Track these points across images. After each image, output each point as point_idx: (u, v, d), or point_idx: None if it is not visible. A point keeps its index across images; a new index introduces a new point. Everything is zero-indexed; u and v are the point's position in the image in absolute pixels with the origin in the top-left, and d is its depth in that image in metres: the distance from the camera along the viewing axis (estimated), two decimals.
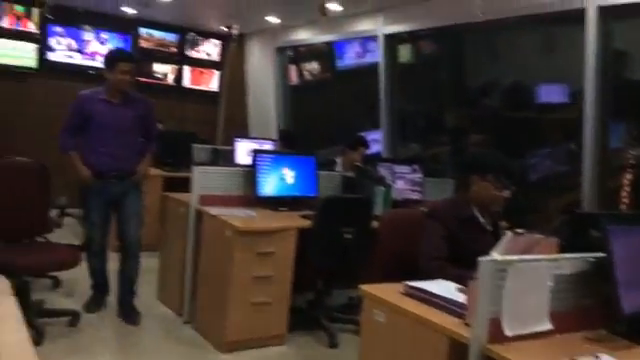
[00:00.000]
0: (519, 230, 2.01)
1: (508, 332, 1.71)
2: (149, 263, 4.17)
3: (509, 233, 1.96)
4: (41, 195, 3.68)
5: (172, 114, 7.49)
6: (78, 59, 7.27)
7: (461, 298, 1.95)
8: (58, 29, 7.08)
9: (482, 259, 1.71)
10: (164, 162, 5.77)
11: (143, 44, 7.70)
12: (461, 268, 2.37)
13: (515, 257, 1.76)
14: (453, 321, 1.88)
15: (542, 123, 5.08)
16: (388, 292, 2.15)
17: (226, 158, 6.08)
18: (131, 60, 3.79)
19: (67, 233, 4.46)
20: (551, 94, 4.82)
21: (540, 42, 5.02)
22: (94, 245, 3.82)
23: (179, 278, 3.94)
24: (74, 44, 7.23)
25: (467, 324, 1.80)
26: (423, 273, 2.44)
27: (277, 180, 4.06)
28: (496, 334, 1.70)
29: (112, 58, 3.75)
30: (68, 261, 3.49)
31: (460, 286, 2.10)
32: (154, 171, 5.62)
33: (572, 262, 1.91)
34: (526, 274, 1.75)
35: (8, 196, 3.46)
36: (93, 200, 3.75)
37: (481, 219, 2.68)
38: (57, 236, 4.08)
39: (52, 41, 7.08)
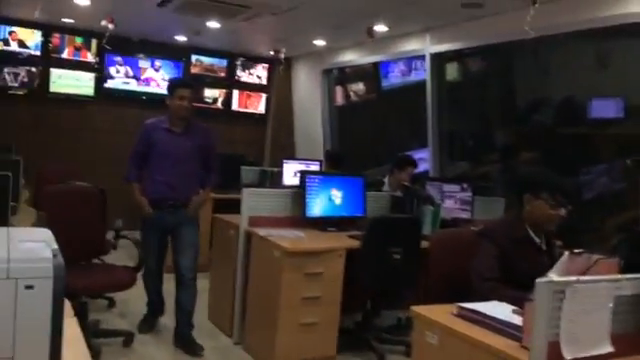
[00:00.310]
0: (577, 250, 1.95)
1: (567, 355, 1.65)
2: (200, 284, 4.22)
3: (566, 253, 1.90)
4: (99, 218, 3.83)
5: (221, 137, 7.63)
6: (134, 85, 7.55)
7: (517, 320, 1.90)
8: (117, 58, 7.40)
9: (539, 280, 1.66)
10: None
11: (194, 70, 7.93)
12: (515, 289, 2.31)
13: (573, 278, 1.70)
14: (509, 344, 1.82)
15: (596, 139, 4.93)
16: (440, 313, 2.12)
17: (274, 179, 6.16)
18: (188, 86, 3.88)
19: (122, 255, 4.59)
20: (605, 109, 4.67)
21: (592, 57, 4.90)
22: (150, 269, 3.91)
23: (229, 299, 3.98)
24: (130, 71, 7.52)
25: (524, 347, 1.74)
26: (476, 294, 2.39)
27: (325, 201, 4.07)
28: (555, 357, 1.63)
29: (171, 85, 3.92)
30: (124, 282, 3.60)
31: (515, 308, 2.04)
32: None
33: (633, 282, 1.83)
34: (585, 295, 1.69)
35: (69, 219, 3.59)
36: (150, 228, 3.83)
37: (536, 239, 2.62)
38: (113, 258, 4.22)
39: (111, 69, 7.40)
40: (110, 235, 4.06)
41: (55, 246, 1.40)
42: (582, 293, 1.68)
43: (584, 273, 1.80)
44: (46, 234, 1.53)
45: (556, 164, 4.84)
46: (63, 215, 3.57)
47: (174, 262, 3.86)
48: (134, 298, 4.23)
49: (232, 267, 3.93)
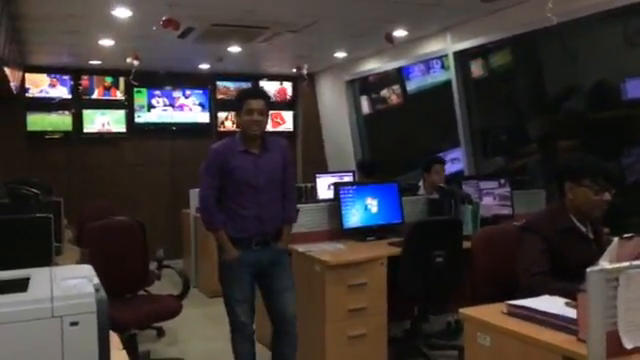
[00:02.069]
0: (626, 235, 1.87)
1: (628, 345, 1.58)
2: None
3: (616, 239, 1.83)
4: (141, 250, 3.88)
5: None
6: (170, 112, 7.75)
7: (571, 313, 1.83)
8: (157, 92, 7.65)
9: (590, 269, 1.59)
10: None
11: (220, 95, 8.06)
12: (565, 281, 2.24)
13: (626, 264, 1.63)
14: (565, 338, 1.76)
15: (635, 120, 4.77)
16: (490, 313, 2.06)
17: (308, 195, 6.16)
18: (259, 96, 3.14)
19: (166, 284, 4.65)
20: None
21: (620, 37, 4.76)
22: (240, 326, 3.15)
23: None
24: (167, 101, 7.75)
25: (581, 340, 1.67)
26: (525, 290, 2.32)
27: (362, 211, 4.04)
28: (615, 348, 1.57)
29: (238, 98, 3.23)
30: (171, 311, 3.64)
31: (568, 300, 1.97)
32: None
33: None
34: None
35: (112, 254, 3.66)
36: (235, 273, 3.11)
37: (582, 228, 2.54)
38: (157, 288, 4.27)
39: (153, 101, 7.64)
40: (153, 266, 4.10)
41: (96, 281, 1.42)
42: (637, 278, 1.61)
43: (636, 258, 1.73)
44: (87, 270, 1.55)
45: (596, 149, 4.70)
46: (106, 250, 3.64)
47: (269, 310, 3.23)
48: (182, 325, 4.27)
49: None
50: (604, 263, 1.65)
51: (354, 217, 4.01)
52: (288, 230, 3.25)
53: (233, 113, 3.18)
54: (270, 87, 8.32)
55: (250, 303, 3.16)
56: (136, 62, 6.05)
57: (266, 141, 3.15)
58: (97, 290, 1.35)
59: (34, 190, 3.70)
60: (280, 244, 3.19)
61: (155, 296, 3.97)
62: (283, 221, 3.20)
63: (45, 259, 2.47)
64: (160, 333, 4.50)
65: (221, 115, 8.07)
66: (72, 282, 1.40)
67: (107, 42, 5.70)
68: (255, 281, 3.18)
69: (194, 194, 6.04)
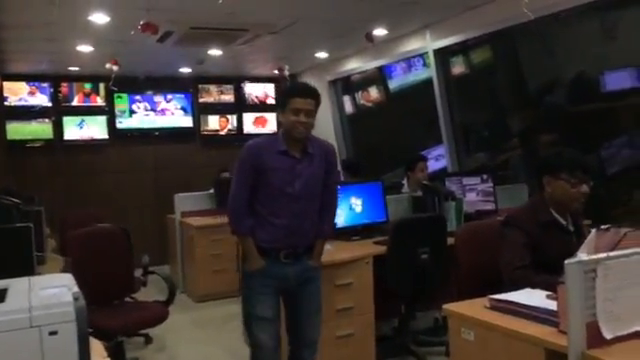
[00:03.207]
0: (603, 226, 1.89)
1: (607, 335, 1.60)
2: (232, 310, 4.24)
3: (593, 230, 1.85)
4: (126, 257, 3.86)
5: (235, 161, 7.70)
6: (152, 117, 7.69)
7: (552, 305, 1.85)
8: (137, 97, 7.59)
9: (568, 261, 1.61)
10: None
11: (202, 99, 8.03)
12: (547, 274, 2.26)
13: (603, 255, 1.65)
14: (547, 330, 1.78)
15: (614, 112, 4.83)
16: (473, 308, 2.08)
17: None
18: (307, 94, 2.73)
19: (152, 290, 4.61)
20: (620, 80, 4.58)
21: (599, 30, 4.82)
22: (263, 349, 2.76)
23: None
24: (149, 105, 7.69)
25: (562, 332, 1.69)
26: (507, 284, 2.35)
27: (346, 210, 4.04)
28: (595, 338, 1.59)
29: (283, 95, 2.91)
30: (158, 317, 3.62)
31: (549, 293, 1.99)
32: (226, 218, 5.76)
33: None
34: (618, 271, 1.64)
35: (96, 262, 3.63)
36: (258, 286, 2.77)
37: (562, 221, 2.56)
38: (143, 294, 4.24)
39: (133, 106, 7.57)
40: (138, 272, 4.07)
41: (76, 289, 1.41)
42: (614, 269, 1.63)
43: (614, 248, 1.75)
44: (67, 278, 1.54)
45: (577, 142, 4.75)
46: (90, 258, 3.61)
47: (291, 331, 2.92)
48: (169, 332, 4.24)
49: None
50: (582, 255, 1.67)
51: (339, 217, 3.99)
52: (321, 245, 2.91)
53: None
54: (253, 89, 8.32)
55: (272, 322, 2.78)
56: (115, 67, 6.01)
57: (309, 144, 2.78)
58: (76, 299, 1.34)
59: (15, 200, 3.66)
60: (312, 260, 2.85)
61: (141, 303, 3.94)
62: (317, 235, 2.85)
63: (26, 269, 2.45)
64: (148, 340, 4.46)
65: (205, 118, 8.06)
66: (51, 291, 1.39)
67: (86, 48, 5.64)
68: (280, 298, 2.83)
69: (179, 199, 6.02)
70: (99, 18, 4.50)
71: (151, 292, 4.47)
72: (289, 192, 2.70)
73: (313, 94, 2.74)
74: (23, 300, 1.33)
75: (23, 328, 1.26)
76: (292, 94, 2.73)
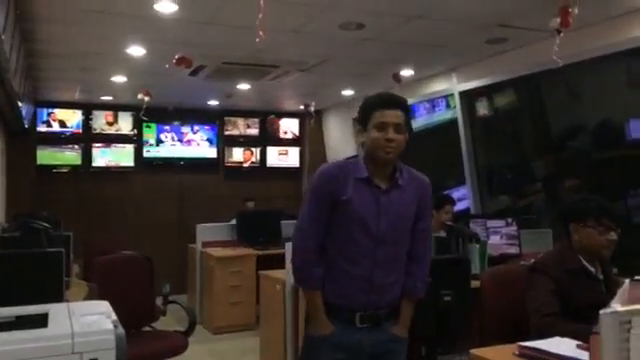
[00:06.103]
0: (637, 277, 1.88)
1: None
2: (248, 343, 4.21)
3: (627, 281, 1.83)
4: (147, 286, 3.88)
5: (259, 194, 7.77)
6: (179, 147, 7.84)
7: (583, 356, 1.82)
8: (166, 127, 7.78)
9: (603, 311, 1.60)
10: (256, 241, 5.92)
11: (228, 132, 8.17)
12: (574, 321, 2.24)
13: (639, 306, 1.63)
14: None
15: (639, 160, 4.80)
16: (501, 355, 2.05)
17: None
18: (394, 105, 2.15)
19: (171, 320, 4.62)
20: None
21: (624, 78, 4.84)
22: None
23: (281, 356, 3.93)
24: (175, 136, 7.85)
25: None
26: (535, 331, 2.32)
27: None
28: None
29: (363, 109, 2.20)
30: (177, 348, 3.62)
31: (580, 342, 1.97)
32: (246, 250, 5.80)
33: None
34: None
35: (119, 289, 3.65)
36: (322, 357, 2.15)
37: (590, 268, 2.54)
38: (162, 323, 4.24)
39: (161, 136, 7.75)
40: (158, 301, 4.09)
41: (114, 317, 1.44)
42: None
43: None
44: (104, 306, 1.57)
45: (601, 189, 4.72)
46: (113, 285, 3.64)
47: None
48: None
49: (281, 323, 3.91)
50: (616, 305, 1.65)
51: None
52: (410, 308, 2.24)
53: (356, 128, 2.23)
54: (285, 125, 8.44)
55: None
56: (147, 98, 6.15)
57: (400, 173, 2.18)
58: (116, 327, 1.37)
59: (44, 224, 3.73)
60: (396, 328, 2.20)
61: (161, 332, 3.94)
62: (405, 293, 2.21)
63: (56, 294, 2.49)
64: None
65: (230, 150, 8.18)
66: (91, 318, 1.42)
67: (120, 78, 5.81)
68: None
69: (201, 229, 6.07)
70: (136, 51, 4.65)
71: (170, 321, 4.48)
72: (372, 232, 2.09)
73: (401, 104, 2.17)
74: (65, 326, 1.36)
75: (65, 354, 1.29)
76: (374, 106, 2.15)
